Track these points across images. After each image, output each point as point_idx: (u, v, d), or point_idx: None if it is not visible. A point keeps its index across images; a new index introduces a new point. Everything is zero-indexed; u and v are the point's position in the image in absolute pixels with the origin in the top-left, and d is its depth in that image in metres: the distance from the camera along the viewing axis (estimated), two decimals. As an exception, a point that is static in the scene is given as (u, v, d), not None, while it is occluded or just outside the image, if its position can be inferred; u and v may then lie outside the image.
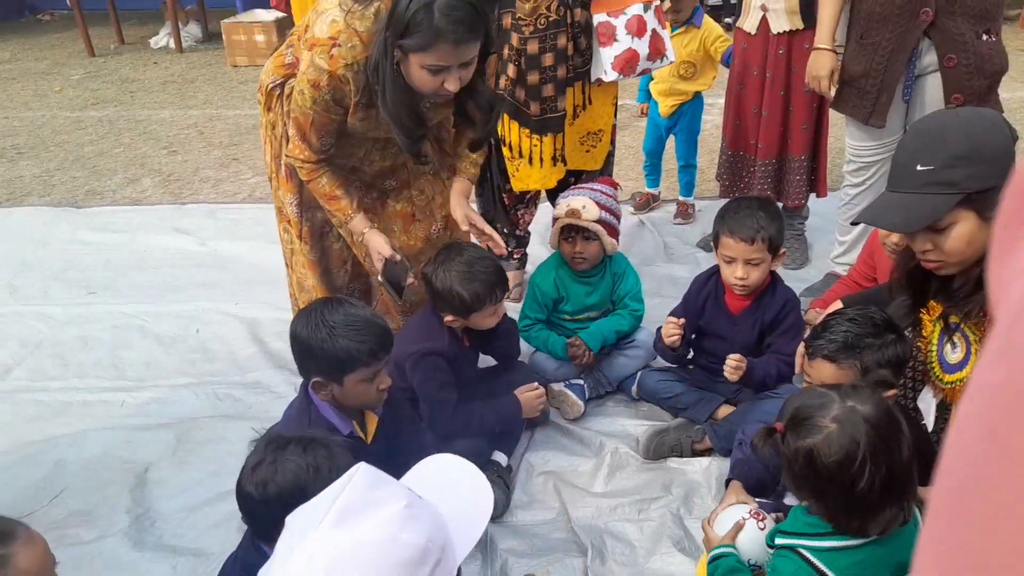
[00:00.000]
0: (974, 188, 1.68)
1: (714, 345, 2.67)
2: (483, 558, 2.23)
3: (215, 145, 5.79)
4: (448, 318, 2.42)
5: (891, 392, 1.93)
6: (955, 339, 1.89)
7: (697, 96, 4.03)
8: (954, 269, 1.80)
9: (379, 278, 2.39)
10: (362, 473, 1.08)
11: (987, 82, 2.79)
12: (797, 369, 2.29)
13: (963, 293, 1.82)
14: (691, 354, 2.75)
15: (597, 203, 2.72)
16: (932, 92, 2.85)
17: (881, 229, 2.54)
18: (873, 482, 1.42)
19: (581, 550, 2.22)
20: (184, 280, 3.77)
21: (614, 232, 2.80)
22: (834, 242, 3.48)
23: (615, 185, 2.94)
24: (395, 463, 2.17)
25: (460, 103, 2.28)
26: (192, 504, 2.40)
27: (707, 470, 2.47)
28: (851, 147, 3.17)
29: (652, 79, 4.03)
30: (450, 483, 1.22)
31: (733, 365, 2.43)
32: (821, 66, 3.01)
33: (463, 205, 2.50)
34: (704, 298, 2.63)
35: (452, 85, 2.10)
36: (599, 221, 2.71)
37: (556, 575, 2.15)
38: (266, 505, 1.53)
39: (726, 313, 2.60)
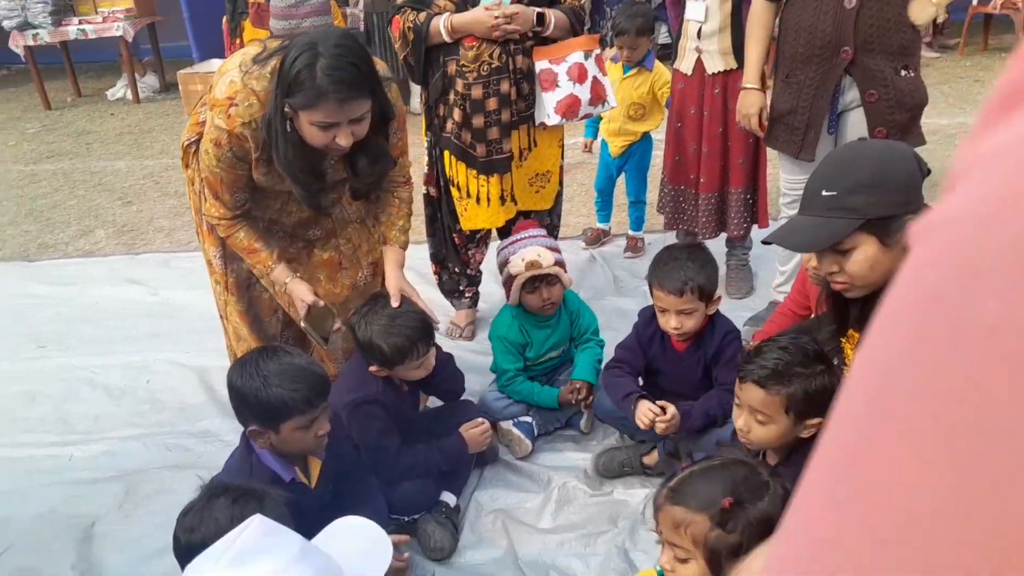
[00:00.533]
0: (875, 215, 1.77)
1: (662, 380, 2.71)
2: (430, 602, 2.24)
3: (170, 194, 5.79)
4: (373, 368, 2.44)
5: (815, 421, 1.96)
6: None
7: (646, 136, 4.14)
8: (860, 292, 1.88)
9: (303, 324, 2.41)
10: (257, 523, 1.11)
11: (908, 115, 2.91)
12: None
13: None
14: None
15: (546, 247, 2.79)
16: (856, 126, 2.96)
17: (786, 249, 2.64)
18: None
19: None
20: (135, 331, 3.76)
21: (565, 269, 2.87)
22: (775, 271, 3.56)
23: (537, 225, 3.01)
24: (339, 506, 2.21)
25: (352, 156, 2.32)
26: (138, 557, 2.39)
27: (652, 501, 2.50)
28: (785, 180, 3.27)
29: (601, 119, 4.13)
30: (349, 535, 1.25)
31: (663, 428, 2.41)
32: (750, 104, 3.13)
33: (397, 277, 2.52)
34: (650, 335, 2.67)
35: (344, 140, 2.13)
36: (556, 264, 2.79)
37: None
38: (190, 552, 1.54)
39: (671, 351, 2.64)
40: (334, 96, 2.05)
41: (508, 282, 2.83)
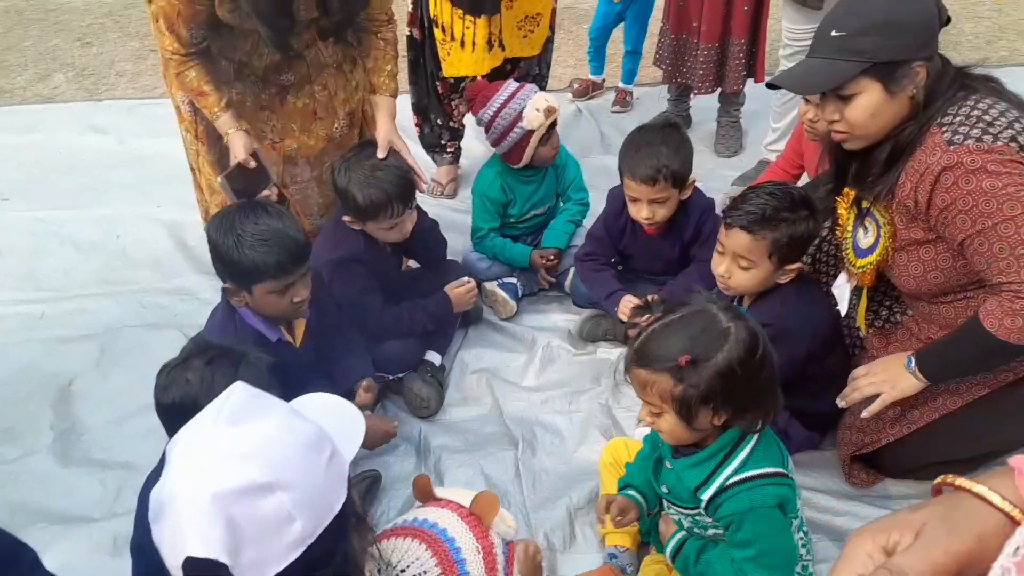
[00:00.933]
0: (882, 58, 1.67)
1: (637, 263, 2.64)
2: (417, 455, 2.26)
3: (132, 35, 5.44)
4: (347, 218, 2.32)
5: (795, 266, 1.98)
6: (866, 223, 1.92)
7: (651, -21, 3.88)
8: (859, 143, 1.80)
9: (219, 179, 2.21)
10: (241, 388, 1.08)
11: None
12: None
13: (872, 175, 1.82)
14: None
15: (540, 93, 2.63)
16: None
17: (788, 91, 2.53)
18: (771, 354, 1.46)
19: (512, 443, 2.26)
20: (102, 182, 3.61)
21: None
22: (768, 129, 3.44)
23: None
24: (325, 363, 2.18)
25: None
26: (119, 416, 2.37)
27: (637, 361, 2.50)
28: (787, 30, 3.11)
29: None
30: (320, 410, 1.21)
31: (629, 311, 2.33)
32: None
33: (388, 129, 2.36)
34: (621, 227, 2.54)
35: None
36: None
37: (488, 468, 2.18)
38: (167, 413, 1.51)
39: (644, 236, 2.52)
40: None
41: (523, 140, 2.62)
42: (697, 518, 1.61)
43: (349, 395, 2.15)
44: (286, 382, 1.77)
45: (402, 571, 1.32)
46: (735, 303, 2.05)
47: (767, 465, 1.51)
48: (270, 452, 1.02)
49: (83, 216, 3.35)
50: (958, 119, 1.67)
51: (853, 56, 1.69)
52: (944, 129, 1.68)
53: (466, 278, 2.56)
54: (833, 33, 1.72)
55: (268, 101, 2.43)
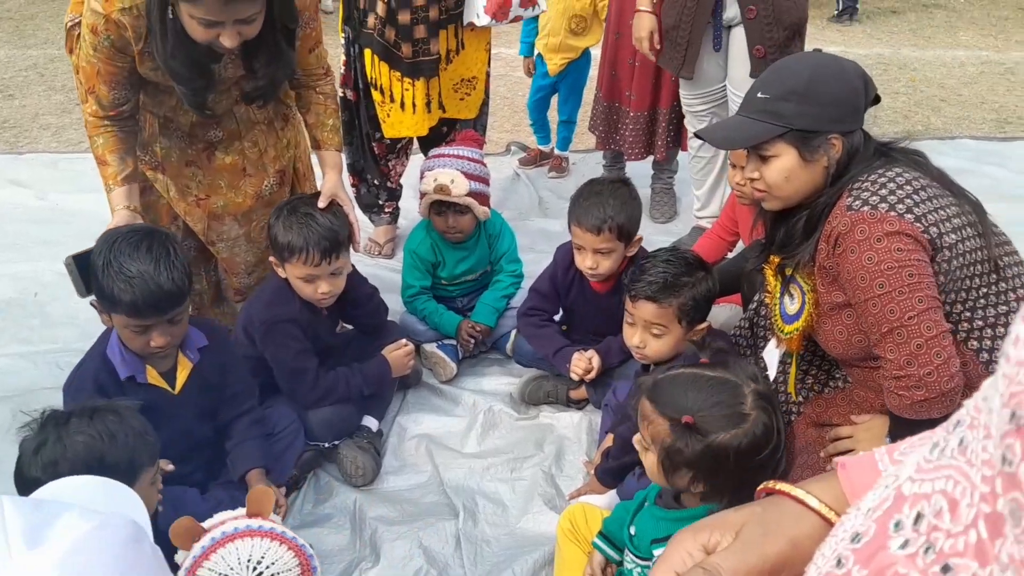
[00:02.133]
0: (799, 125, 1.73)
1: (579, 320, 2.63)
2: (352, 527, 2.16)
3: (56, 89, 5.31)
4: (272, 259, 2.27)
5: (703, 325, 2.07)
6: (791, 290, 1.96)
7: (585, 53, 3.98)
8: (777, 203, 1.86)
9: (67, 258, 1.98)
10: (9, 502, 0.89)
11: (786, 33, 2.89)
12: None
13: (792, 243, 1.87)
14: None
15: (465, 174, 2.62)
16: (738, 43, 2.95)
17: (703, 158, 2.76)
18: (780, 462, 1.44)
19: (453, 513, 2.18)
20: (20, 238, 3.45)
21: (485, 200, 2.71)
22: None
23: (480, 143, 2.85)
24: (209, 418, 2.07)
25: (247, 53, 2.09)
26: (30, 485, 2.21)
27: (578, 425, 2.47)
28: (682, 97, 3.26)
29: (537, 33, 3.94)
30: (92, 492, 1.15)
31: (581, 370, 2.39)
32: (641, 27, 3.12)
33: (335, 182, 2.32)
34: (569, 281, 2.55)
35: (228, 41, 1.91)
36: (470, 194, 2.62)
37: (427, 540, 2.10)
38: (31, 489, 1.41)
39: (590, 293, 2.53)
40: None
41: (421, 196, 2.70)
42: (646, 572, 1.57)
43: (240, 483, 2.06)
44: (165, 431, 1.72)
45: (259, 565, 1.33)
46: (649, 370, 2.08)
47: None
48: (96, 562, 0.86)
49: (0, 272, 3.18)
50: (865, 185, 1.72)
51: (773, 119, 1.75)
52: (850, 194, 1.73)
53: (404, 340, 2.50)
54: (759, 95, 1.79)
55: (195, 156, 2.36)
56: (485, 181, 2.72)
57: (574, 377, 2.41)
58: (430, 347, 2.72)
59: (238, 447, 2.09)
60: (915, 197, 1.69)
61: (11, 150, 4.40)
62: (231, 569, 1.36)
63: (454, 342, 2.74)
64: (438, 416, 2.54)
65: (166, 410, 1.91)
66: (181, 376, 1.99)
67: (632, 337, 2.07)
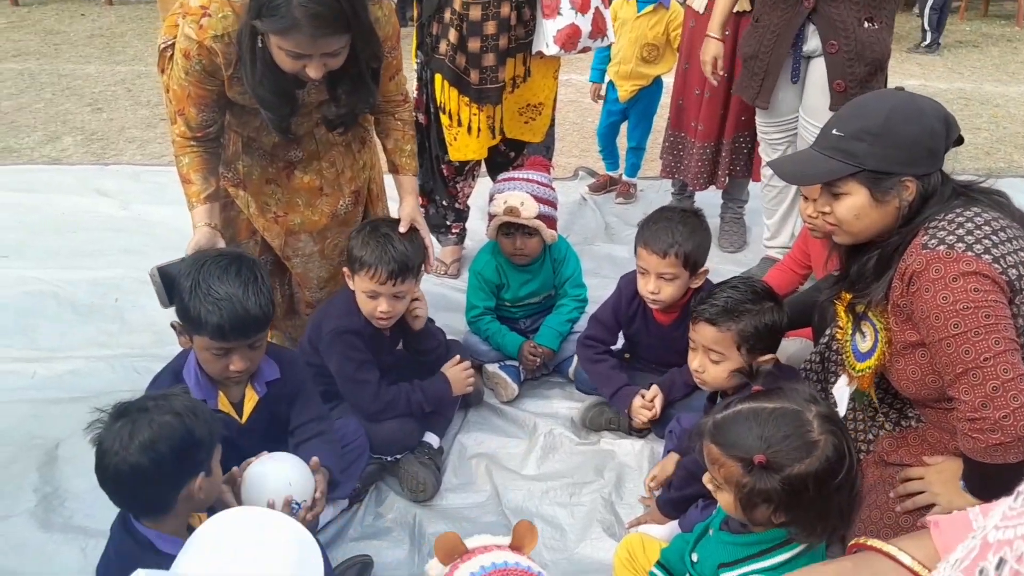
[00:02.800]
0: (871, 166, 1.70)
1: (643, 351, 2.63)
2: (411, 542, 2.17)
3: (143, 104, 5.53)
4: (345, 269, 2.32)
5: (768, 357, 2.02)
6: (863, 328, 1.91)
7: (657, 80, 3.98)
8: (847, 239, 1.84)
9: (153, 269, 2.06)
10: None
11: (867, 69, 2.85)
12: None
13: (864, 281, 1.83)
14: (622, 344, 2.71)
15: (535, 197, 2.65)
16: (816, 76, 2.92)
17: (776, 186, 2.68)
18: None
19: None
20: (103, 245, 3.59)
21: (553, 224, 2.74)
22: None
23: (548, 168, 2.87)
24: (275, 445, 2.03)
25: (332, 84, 2.16)
26: (104, 484, 2.28)
27: (639, 453, 2.45)
28: (758, 124, 3.23)
29: (609, 60, 3.96)
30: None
31: (643, 420, 2.40)
32: (707, 52, 3.14)
33: (413, 206, 2.40)
34: (633, 312, 2.55)
35: (313, 72, 1.98)
36: (539, 217, 2.65)
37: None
38: (160, 468, 1.46)
39: (654, 324, 2.52)
40: (307, 30, 1.88)
41: (490, 218, 2.73)
42: None
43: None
44: (229, 457, 1.73)
45: None
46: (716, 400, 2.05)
47: None
48: None
49: (82, 278, 3.31)
50: (942, 224, 1.68)
51: (845, 157, 1.72)
52: (926, 233, 1.69)
53: (457, 357, 2.50)
54: (834, 131, 1.76)
55: (275, 175, 2.44)
56: (553, 205, 2.74)
57: (637, 423, 2.44)
58: (492, 367, 2.74)
59: (308, 453, 2.12)
60: (994, 238, 1.64)
61: (98, 161, 4.59)
62: None
63: (516, 363, 2.75)
64: (498, 436, 2.55)
65: (232, 438, 1.91)
66: (248, 407, 2.01)
67: (693, 360, 2.07)
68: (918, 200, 1.72)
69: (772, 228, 3.40)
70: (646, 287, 2.39)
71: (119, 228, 3.75)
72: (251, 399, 2.01)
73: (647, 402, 2.42)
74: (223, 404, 1.98)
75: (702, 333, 2.02)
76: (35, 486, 2.28)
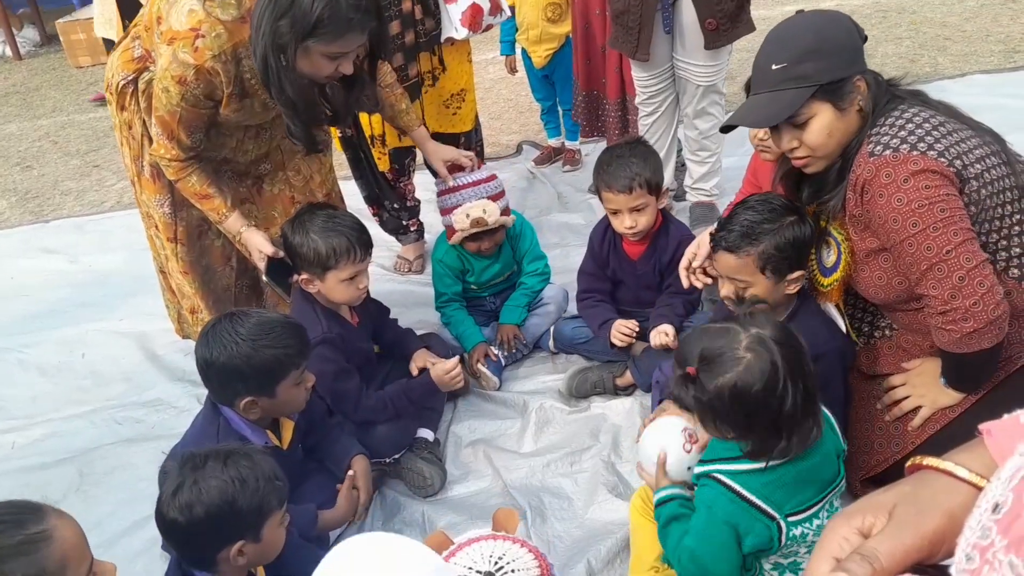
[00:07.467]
0: (826, 79, 1.74)
1: (627, 291, 2.67)
2: (422, 539, 2.18)
3: (72, 154, 5.41)
4: (303, 276, 2.27)
5: (797, 273, 1.94)
6: (828, 241, 1.96)
7: (568, 40, 3.96)
8: (822, 164, 1.86)
9: (265, 278, 2.27)
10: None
11: (735, 2, 2.91)
12: (684, 284, 2.27)
13: (826, 189, 1.87)
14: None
15: (491, 198, 2.65)
16: (687, 18, 2.96)
17: (748, 128, 2.53)
18: (796, 400, 1.43)
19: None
20: (60, 303, 3.52)
21: (507, 210, 2.76)
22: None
23: (482, 166, 2.84)
24: (312, 463, 2.12)
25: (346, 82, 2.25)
26: (108, 538, 2.25)
27: (630, 411, 2.48)
28: (636, 79, 3.25)
29: (516, 30, 3.95)
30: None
31: (661, 341, 2.40)
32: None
33: (435, 148, 2.64)
34: (606, 251, 2.61)
35: (347, 68, 2.08)
36: (502, 213, 2.68)
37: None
38: (194, 529, 1.47)
39: (626, 260, 2.59)
40: (360, 25, 1.99)
41: (450, 230, 2.70)
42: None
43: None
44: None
45: (500, 560, 1.41)
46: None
47: (751, 489, 1.51)
48: None
49: (44, 339, 3.25)
50: (883, 130, 1.75)
51: (798, 83, 1.75)
52: (870, 140, 1.75)
53: (451, 360, 2.44)
54: (773, 67, 1.78)
55: (247, 193, 2.45)
56: (503, 193, 2.76)
57: (617, 343, 2.50)
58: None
59: (333, 445, 2.18)
60: (935, 134, 1.71)
61: (37, 219, 4.49)
62: (475, 562, 1.43)
63: (497, 351, 2.74)
64: (491, 420, 2.56)
65: (283, 468, 1.90)
66: (286, 435, 2.05)
67: (723, 290, 2.01)
68: (870, 98, 1.77)
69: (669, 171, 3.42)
70: (622, 224, 2.45)
71: (72, 283, 3.68)
72: (287, 427, 2.06)
73: (627, 328, 2.50)
74: (272, 439, 2.01)
75: (723, 263, 1.96)
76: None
